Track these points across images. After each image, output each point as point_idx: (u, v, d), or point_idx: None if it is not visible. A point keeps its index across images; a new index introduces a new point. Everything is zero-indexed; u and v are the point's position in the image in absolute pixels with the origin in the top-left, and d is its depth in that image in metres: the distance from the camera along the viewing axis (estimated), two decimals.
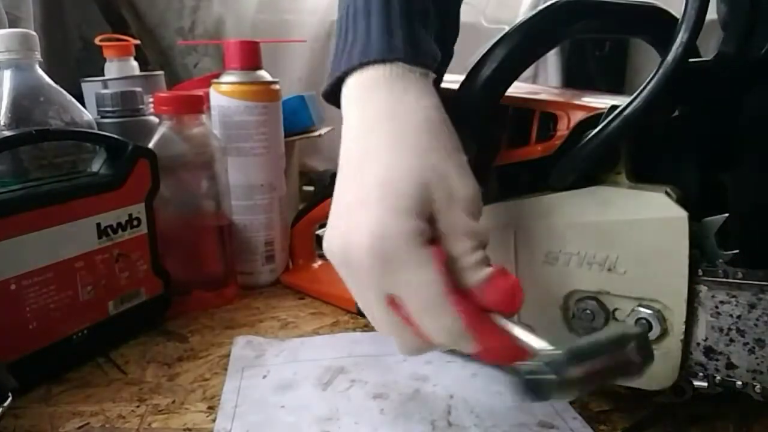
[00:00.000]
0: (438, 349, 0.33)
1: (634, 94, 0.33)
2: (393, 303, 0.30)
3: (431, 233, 0.30)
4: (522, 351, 0.29)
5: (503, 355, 0.30)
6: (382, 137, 0.31)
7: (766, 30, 0.35)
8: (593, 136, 0.35)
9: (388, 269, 0.29)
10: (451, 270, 0.30)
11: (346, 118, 0.34)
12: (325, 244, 0.33)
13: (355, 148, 0.33)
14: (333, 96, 0.36)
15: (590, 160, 0.36)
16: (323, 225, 0.73)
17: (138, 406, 0.39)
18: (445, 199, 0.30)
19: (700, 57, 0.38)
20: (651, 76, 0.33)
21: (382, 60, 0.33)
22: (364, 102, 0.33)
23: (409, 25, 0.34)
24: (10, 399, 0.36)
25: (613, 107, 0.35)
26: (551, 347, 0.28)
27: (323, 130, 0.71)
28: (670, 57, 0.32)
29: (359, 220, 0.30)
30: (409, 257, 0.29)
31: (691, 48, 0.32)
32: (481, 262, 0.30)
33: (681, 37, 0.32)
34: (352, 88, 0.34)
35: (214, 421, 0.37)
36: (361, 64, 0.33)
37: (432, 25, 0.36)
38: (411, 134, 0.31)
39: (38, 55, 0.49)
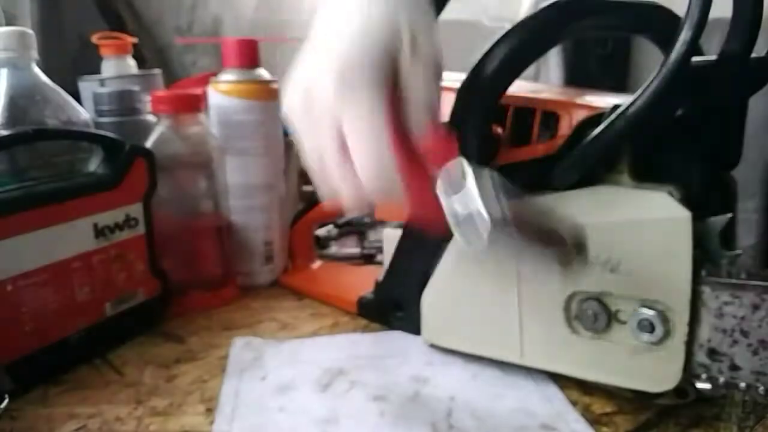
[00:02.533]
0: (374, 197, 0.33)
1: (637, 93, 0.33)
2: (344, 147, 0.32)
3: (391, 79, 0.32)
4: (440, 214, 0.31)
5: (428, 210, 0.32)
6: None
7: None
8: (596, 136, 0.35)
9: (347, 97, 0.31)
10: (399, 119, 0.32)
11: None
12: (285, 100, 0.34)
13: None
14: None
15: (593, 160, 0.36)
16: (323, 225, 0.73)
17: (135, 408, 0.39)
18: (409, 48, 0.32)
19: (704, 55, 0.38)
20: (654, 75, 0.33)
21: None
22: None
23: None
24: (6, 401, 0.36)
25: (616, 107, 0.35)
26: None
27: None
28: (673, 56, 0.32)
29: (331, 52, 0.32)
30: (362, 86, 0.31)
31: (694, 47, 0.32)
32: (425, 118, 0.32)
33: (684, 36, 0.32)
34: None
35: (212, 423, 0.37)
36: None
37: None
38: None
39: (35, 54, 0.48)
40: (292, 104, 0.34)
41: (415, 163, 0.32)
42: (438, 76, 0.33)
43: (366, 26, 0.32)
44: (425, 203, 0.32)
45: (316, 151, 0.33)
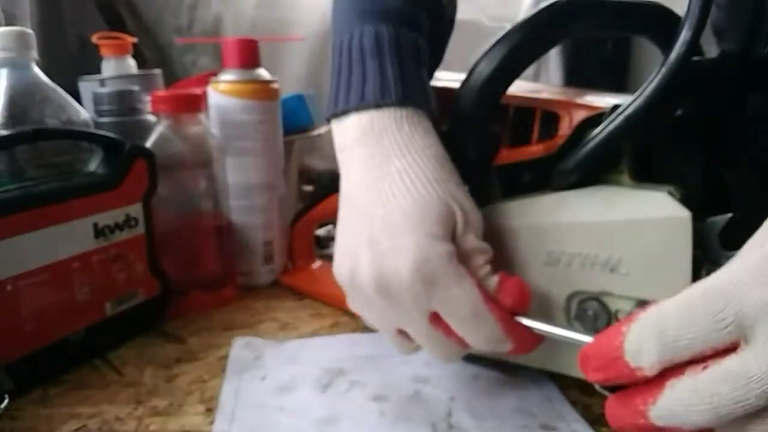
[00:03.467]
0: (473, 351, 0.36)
1: (636, 93, 0.33)
2: (434, 319, 0.33)
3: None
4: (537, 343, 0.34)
5: (532, 349, 0.35)
6: (402, 171, 0.34)
7: None
8: (595, 135, 0.35)
9: (432, 288, 0.32)
10: None
11: (348, 154, 0.36)
12: (343, 279, 0.35)
13: (368, 182, 0.34)
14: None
15: (592, 160, 0.36)
16: (323, 225, 0.73)
17: (135, 408, 0.39)
18: (462, 223, 0.34)
19: (704, 55, 0.38)
20: (653, 74, 0.33)
21: (398, 103, 0.35)
22: (375, 139, 0.35)
23: (417, 68, 0.37)
24: (6, 401, 0.36)
25: (616, 106, 0.35)
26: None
27: (323, 129, 0.71)
28: (672, 55, 0.32)
29: (396, 247, 0.32)
30: (448, 276, 0.32)
31: (694, 46, 0.32)
32: (491, 272, 0.34)
33: (684, 36, 0.32)
34: (356, 125, 0.36)
35: (212, 423, 0.37)
36: (378, 105, 0.35)
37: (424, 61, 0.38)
38: (429, 167, 0.34)
39: (35, 54, 0.48)
40: (359, 282, 0.34)
41: (510, 317, 0.33)
42: (482, 234, 0.35)
43: (429, 210, 0.33)
44: (530, 347, 0.34)
45: (402, 322, 0.35)
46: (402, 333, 0.35)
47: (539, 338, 0.34)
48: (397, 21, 0.37)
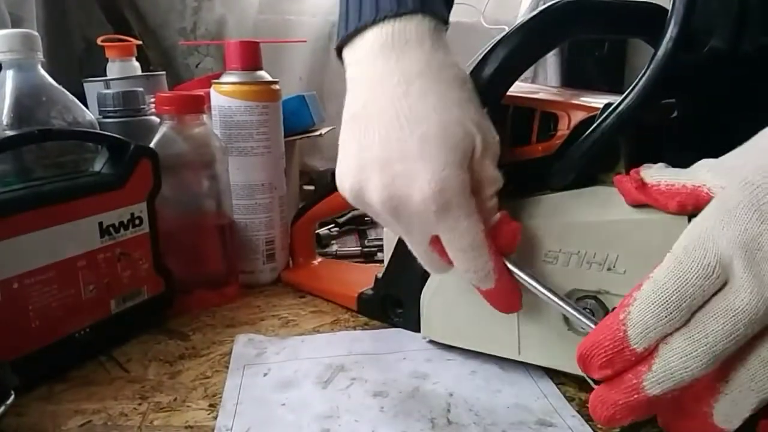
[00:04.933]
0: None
1: (627, 91, 0.34)
2: (433, 240, 0.34)
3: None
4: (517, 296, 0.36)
5: (508, 299, 0.36)
6: (424, 93, 0.33)
7: (756, 26, 0.36)
8: (589, 133, 0.35)
9: (442, 217, 0.32)
10: None
11: (362, 69, 0.35)
12: (347, 191, 0.35)
13: (387, 100, 0.33)
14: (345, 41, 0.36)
15: (587, 158, 0.36)
16: (323, 224, 0.74)
17: (140, 404, 0.39)
18: (481, 149, 0.33)
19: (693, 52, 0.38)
20: (643, 71, 0.33)
21: (416, 11, 0.33)
22: (396, 55, 0.33)
23: None
24: (12, 397, 0.37)
25: (608, 105, 0.35)
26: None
27: (324, 130, 0.72)
28: (660, 52, 0.33)
29: (412, 172, 0.32)
30: (460, 207, 0.32)
31: (681, 42, 0.32)
32: (495, 207, 0.35)
33: (671, 32, 0.32)
34: (373, 41, 0.34)
35: (215, 418, 0.37)
36: (397, 15, 0.33)
37: None
38: (451, 89, 0.33)
39: (40, 56, 0.49)
40: (371, 199, 0.34)
41: (499, 257, 0.35)
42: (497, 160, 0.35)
43: (448, 136, 0.32)
44: (507, 293, 0.36)
45: (405, 239, 0.36)
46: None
47: (517, 288, 0.35)
48: None
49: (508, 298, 0.36)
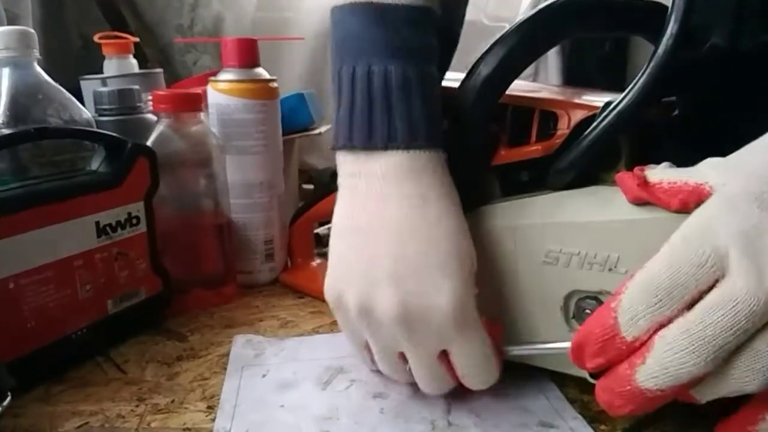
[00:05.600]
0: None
1: (627, 89, 0.33)
2: (441, 355, 0.35)
3: None
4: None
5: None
6: (442, 214, 0.35)
7: (756, 23, 0.36)
8: (589, 132, 0.35)
9: (461, 329, 0.34)
10: None
11: (373, 183, 0.35)
12: (342, 304, 0.36)
13: (404, 215, 0.34)
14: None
15: (588, 157, 0.36)
16: (323, 223, 0.73)
17: (137, 406, 0.39)
18: (475, 267, 0.35)
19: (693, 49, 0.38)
20: (643, 69, 0.33)
21: (427, 146, 0.35)
22: (411, 179, 0.35)
23: (438, 106, 0.37)
24: (9, 398, 0.36)
25: (608, 103, 0.35)
26: None
27: (323, 128, 0.71)
28: (660, 50, 0.32)
29: (429, 290, 0.33)
30: (473, 321, 0.34)
31: (681, 40, 0.32)
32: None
33: (671, 29, 0.32)
34: (388, 162, 0.35)
35: (213, 420, 0.37)
36: (407, 147, 0.35)
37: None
38: (459, 214, 0.36)
39: (37, 53, 0.48)
40: (381, 313, 0.34)
41: (499, 357, 0.37)
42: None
43: (464, 256, 0.34)
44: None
45: (410, 353, 0.36)
46: (401, 356, 0.36)
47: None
48: (420, 59, 0.36)
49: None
